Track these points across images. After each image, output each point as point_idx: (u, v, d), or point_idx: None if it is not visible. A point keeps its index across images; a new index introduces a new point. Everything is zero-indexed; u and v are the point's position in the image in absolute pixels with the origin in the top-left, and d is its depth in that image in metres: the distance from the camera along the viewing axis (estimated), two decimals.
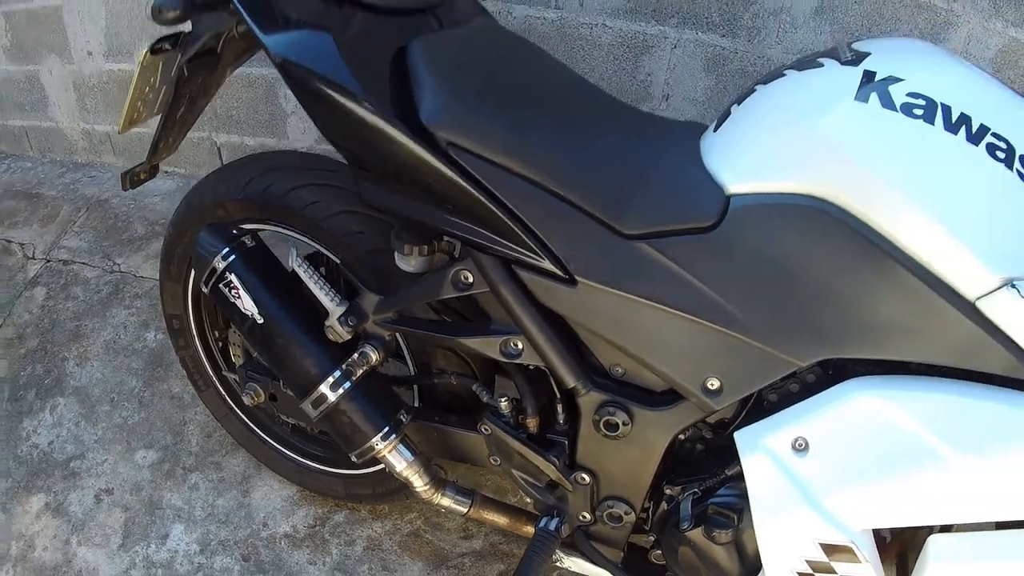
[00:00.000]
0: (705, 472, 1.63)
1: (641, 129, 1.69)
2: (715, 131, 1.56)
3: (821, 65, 1.47)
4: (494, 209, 1.49)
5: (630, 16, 2.57)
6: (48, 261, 3.16)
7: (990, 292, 1.30)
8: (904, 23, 2.49)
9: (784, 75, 1.51)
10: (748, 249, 1.43)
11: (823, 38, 2.54)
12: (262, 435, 2.34)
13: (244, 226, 1.96)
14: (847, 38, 2.51)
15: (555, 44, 2.66)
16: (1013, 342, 1.31)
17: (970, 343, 1.34)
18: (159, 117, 1.89)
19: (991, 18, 2.41)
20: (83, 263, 3.13)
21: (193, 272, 2.10)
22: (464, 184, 1.49)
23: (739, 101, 1.56)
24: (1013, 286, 1.28)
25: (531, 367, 1.65)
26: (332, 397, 1.76)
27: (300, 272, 1.78)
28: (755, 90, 1.54)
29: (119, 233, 3.23)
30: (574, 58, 2.68)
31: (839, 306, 1.40)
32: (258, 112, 3.26)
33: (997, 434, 1.33)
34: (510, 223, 1.49)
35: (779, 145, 1.44)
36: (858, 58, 1.44)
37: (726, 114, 1.56)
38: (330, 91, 1.51)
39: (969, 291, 1.31)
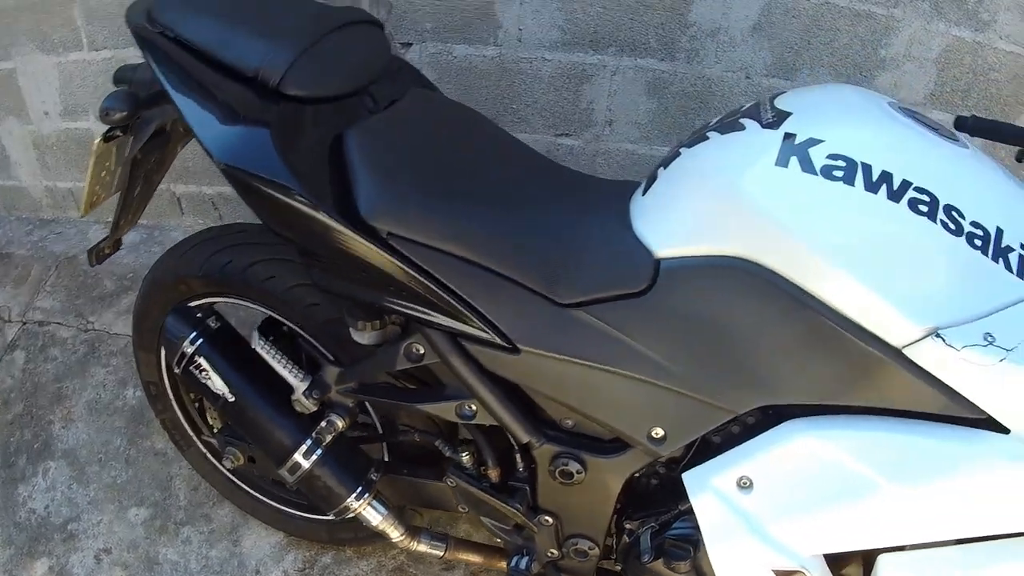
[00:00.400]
0: (661, 506, 1.75)
1: (574, 195, 1.78)
2: (643, 195, 1.65)
3: (743, 127, 1.55)
4: (436, 290, 1.60)
5: (568, 48, 2.69)
6: (24, 323, 3.26)
7: (916, 341, 1.39)
8: (843, 33, 2.60)
9: (707, 137, 1.60)
10: (680, 310, 1.54)
11: (762, 55, 2.64)
12: (245, 488, 2.47)
13: (208, 299, 2.10)
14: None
15: (496, 79, 2.78)
16: (943, 383, 1.40)
17: (900, 387, 1.44)
18: (118, 195, 2.01)
19: (933, 20, 2.52)
20: (58, 323, 3.23)
21: (164, 352, 2.22)
22: (406, 270, 1.60)
23: (665, 164, 1.65)
24: (938, 335, 1.37)
25: (487, 424, 1.77)
26: (306, 464, 1.90)
27: (262, 353, 1.91)
28: (680, 153, 1.63)
29: (89, 290, 3.34)
30: (516, 92, 2.79)
31: (770, 358, 1.50)
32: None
33: (929, 465, 1.44)
34: (453, 301, 1.60)
35: (704, 211, 1.53)
36: (779, 119, 1.51)
37: (653, 177, 1.66)
38: (272, 192, 1.60)
39: (895, 341, 1.41)
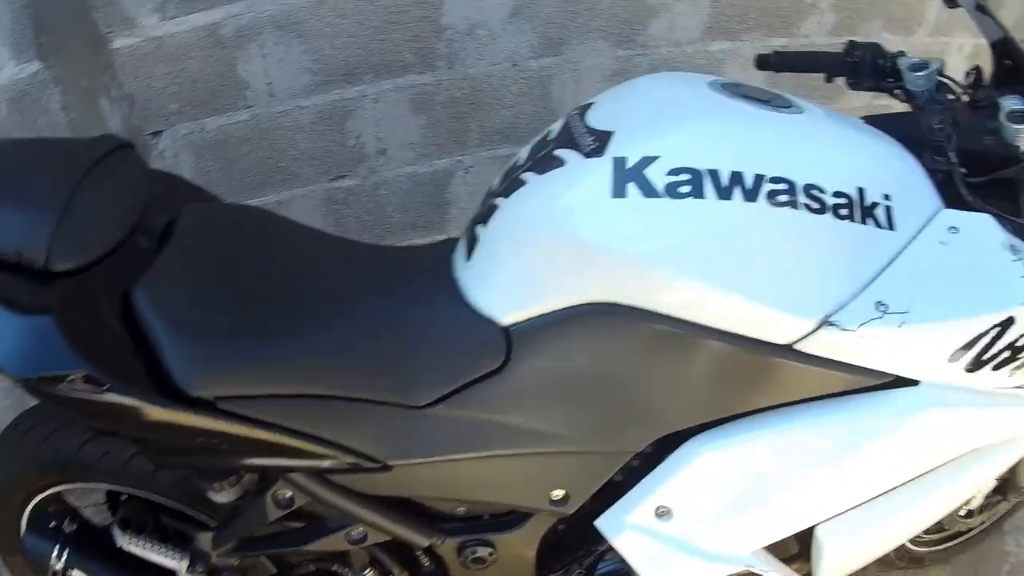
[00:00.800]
0: (580, 550, 1.74)
1: (392, 279, 1.70)
2: (468, 260, 1.58)
3: (562, 162, 1.48)
4: (285, 438, 1.51)
5: (323, 88, 2.61)
6: None
7: (808, 335, 1.39)
8: None
9: (524, 182, 1.52)
10: (546, 372, 1.49)
11: (526, 38, 2.64)
12: None
13: (53, 491, 1.94)
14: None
15: (257, 142, 2.68)
16: (845, 364, 1.42)
17: (799, 381, 1.45)
18: None
19: None
20: None
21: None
22: (246, 428, 1.49)
23: (483, 220, 1.58)
24: (831, 323, 1.37)
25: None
26: None
27: (128, 548, 1.80)
28: (497, 205, 1.56)
29: None
30: (279, 149, 2.69)
31: (656, 393, 1.48)
32: None
33: (845, 438, 1.47)
34: (306, 443, 1.52)
35: (545, 265, 1.47)
36: (601, 142, 1.45)
37: (473, 238, 1.59)
38: (78, 391, 1.44)
39: (785, 340, 1.40)
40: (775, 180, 1.38)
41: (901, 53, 1.72)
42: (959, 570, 2.53)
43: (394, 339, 1.57)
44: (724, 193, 1.37)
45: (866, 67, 1.72)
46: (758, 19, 2.71)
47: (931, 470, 1.56)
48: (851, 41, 1.77)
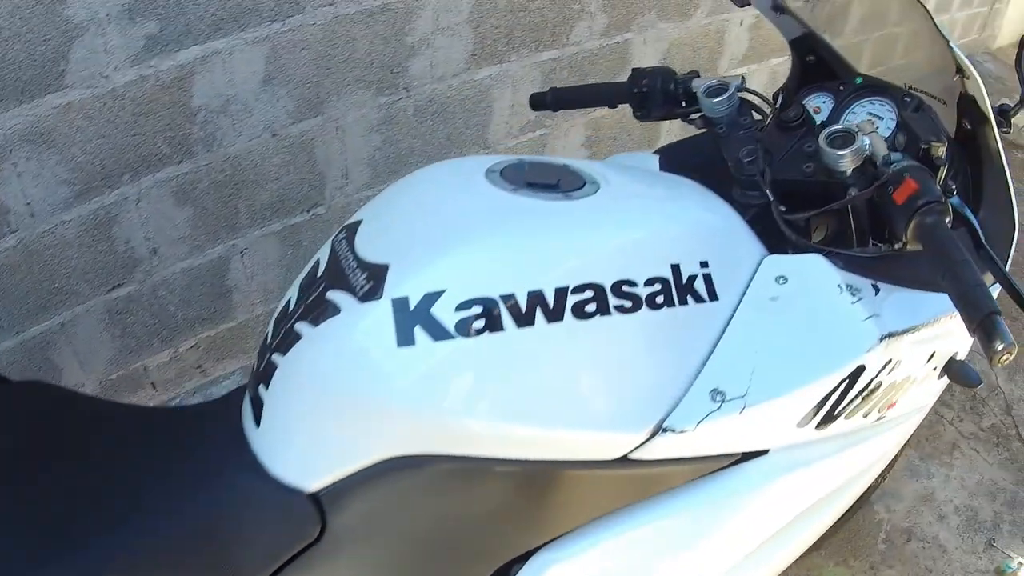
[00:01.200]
0: None
1: (192, 452, 1.54)
2: (258, 427, 1.44)
3: (337, 309, 1.33)
4: None
5: (83, 197, 2.51)
6: None
7: (642, 444, 1.30)
8: (361, 40, 2.60)
9: (300, 335, 1.38)
10: (367, 531, 1.39)
11: (283, 104, 2.58)
12: None
13: None
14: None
15: (27, 268, 2.57)
16: (688, 458, 1.35)
17: (642, 482, 1.38)
18: None
19: None
20: None
21: None
22: None
23: (264, 380, 1.44)
24: (666, 429, 1.29)
25: None
26: None
27: None
28: (276, 364, 1.42)
29: None
30: (51, 269, 2.60)
31: (487, 528, 1.40)
32: None
33: (692, 524, 1.44)
34: None
35: (338, 428, 1.33)
36: (375, 280, 1.29)
37: (257, 400, 1.45)
38: None
39: (616, 454, 1.32)
40: (579, 289, 1.25)
41: (695, 74, 1.65)
42: (835, 551, 2.62)
43: (202, 529, 1.42)
44: (524, 320, 1.23)
45: (656, 96, 1.64)
46: (524, 36, 2.68)
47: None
48: (635, 69, 1.69)
